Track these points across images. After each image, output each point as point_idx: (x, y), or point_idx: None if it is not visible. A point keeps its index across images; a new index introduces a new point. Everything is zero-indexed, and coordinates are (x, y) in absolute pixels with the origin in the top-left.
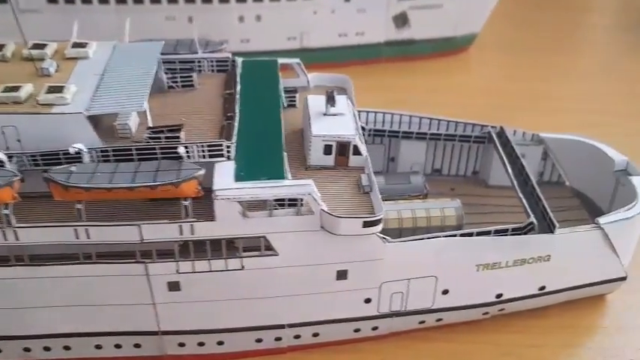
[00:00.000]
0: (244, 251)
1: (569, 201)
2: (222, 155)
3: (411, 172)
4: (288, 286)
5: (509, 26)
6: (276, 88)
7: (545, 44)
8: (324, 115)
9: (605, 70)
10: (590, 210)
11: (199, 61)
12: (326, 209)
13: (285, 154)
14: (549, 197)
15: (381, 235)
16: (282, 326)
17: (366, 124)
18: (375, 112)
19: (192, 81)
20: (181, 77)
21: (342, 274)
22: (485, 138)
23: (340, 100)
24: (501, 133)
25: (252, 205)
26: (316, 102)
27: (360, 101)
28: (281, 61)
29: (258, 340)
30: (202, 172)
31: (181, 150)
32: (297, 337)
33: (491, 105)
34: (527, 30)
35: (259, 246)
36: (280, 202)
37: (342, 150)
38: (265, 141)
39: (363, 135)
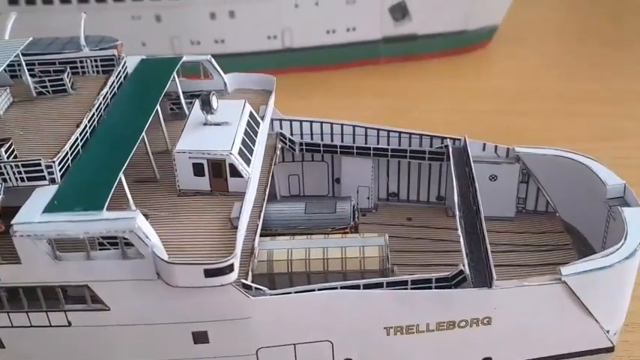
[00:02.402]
0: (73, 303)
1: (558, 237)
2: (42, 178)
3: (340, 199)
4: (133, 348)
5: (542, 14)
6: (158, 93)
7: (585, 35)
8: (204, 124)
9: None
10: (584, 250)
11: (82, 61)
12: (159, 252)
13: (121, 176)
14: (534, 232)
15: (256, 285)
16: None
17: (301, 136)
18: (311, 122)
19: (63, 85)
20: (50, 81)
21: (200, 337)
22: (444, 154)
23: (229, 105)
24: (463, 149)
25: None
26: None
27: (350, 109)
28: (187, 58)
29: None
30: None
31: None
32: None
33: (503, 112)
34: (563, 19)
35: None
36: (112, 241)
37: (217, 170)
38: (108, 159)
39: (294, 149)
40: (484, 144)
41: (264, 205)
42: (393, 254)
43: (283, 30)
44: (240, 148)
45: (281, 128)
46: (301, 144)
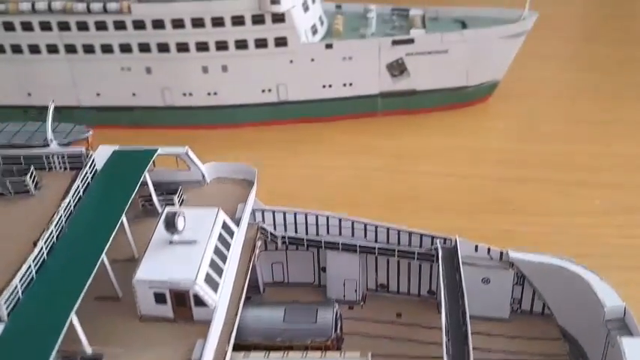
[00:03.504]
0: None
1: (554, 346)
2: None
3: (322, 305)
4: None
5: (543, 70)
6: (127, 195)
7: (586, 93)
8: (170, 243)
9: None
10: None
11: (48, 157)
12: None
13: (73, 317)
14: (529, 337)
15: None
16: None
17: (285, 226)
18: (295, 213)
19: (26, 186)
20: (11, 182)
21: None
22: (434, 256)
23: (199, 216)
24: (454, 250)
25: None
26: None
27: (345, 168)
28: (162, 151)
29: None
30: None
31: None
32: None
33: (501, 178)
34: (564, 75)
35: None
36: None
37: (180, 300)
38: (63, 290)
39: (276, 242)
40: (476, 245)
41: (238, 317)
42: None
43: (278, 84)
44: (208, 274)
45: (263, 219)
46: (284, 237)
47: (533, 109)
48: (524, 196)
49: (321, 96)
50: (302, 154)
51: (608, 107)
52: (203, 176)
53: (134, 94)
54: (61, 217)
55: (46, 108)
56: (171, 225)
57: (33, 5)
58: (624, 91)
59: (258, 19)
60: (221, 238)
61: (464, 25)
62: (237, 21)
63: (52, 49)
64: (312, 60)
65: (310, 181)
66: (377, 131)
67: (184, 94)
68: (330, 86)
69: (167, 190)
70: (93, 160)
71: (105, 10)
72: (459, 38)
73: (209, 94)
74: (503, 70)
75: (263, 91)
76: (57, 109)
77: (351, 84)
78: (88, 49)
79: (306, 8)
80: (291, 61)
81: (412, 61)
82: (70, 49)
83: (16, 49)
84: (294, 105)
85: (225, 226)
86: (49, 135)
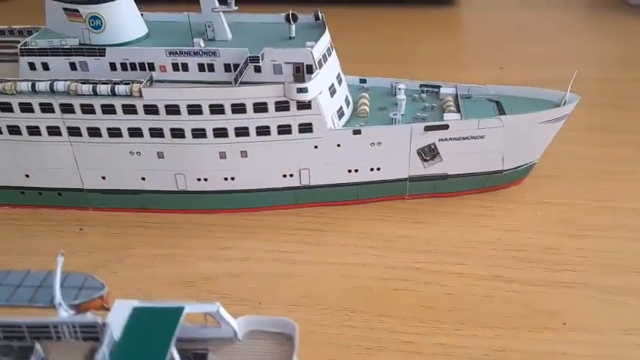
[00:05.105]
0: None
1: None
2: None
3: None
4: None
5: (580, 140)
6: None
7: (633, 169)
8: None
9: None
10: None
11: (56, 327)
12: None
13: None
14: None
15: None
16: None
17: None
18: None
19: None
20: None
21: None
22: None
23: None
24: None
25: None
26: None
27: (367, 261)
28: (191, 309)
29: None
30: None
31: None
32: None
33: (539, 281)
34: (607, 145)
35: None
36: None
37: None
38: None
39: None
40: None
41: None
42: None
43: (301, 169)
44: None
45: None
46: None
47: (569, 193)
48: (571, 306)
49: (346, 180)
50: (325, 246)
51: None
52: (235, 333)
53: (144, 179)
54: None
55: (45, 190)
56: None
57: (33, 86)
58: None
59: (282, 106)
60: None
61: (499, 105)
62: (260, 108)
63: (54, 131)
64: (339, 145)
65: (335, 282)
66: (405, 218)
67: (199, 179)
68: (356, 171)
69: (194, 353)
70: (111, 333)
71: (113, 93)
72: (497, 124)
73: (226, 179)
74: (541, 152)
75: (284, 176)
76: (58, 190)
77: (379, 169)
78: (94, 132)
79: (333, 92)
80: (316, 147)
81: (445, 147)
82: (74, 132)
83: (14, 130)
84: (316, 189)
85: None
86: (57, 297)
